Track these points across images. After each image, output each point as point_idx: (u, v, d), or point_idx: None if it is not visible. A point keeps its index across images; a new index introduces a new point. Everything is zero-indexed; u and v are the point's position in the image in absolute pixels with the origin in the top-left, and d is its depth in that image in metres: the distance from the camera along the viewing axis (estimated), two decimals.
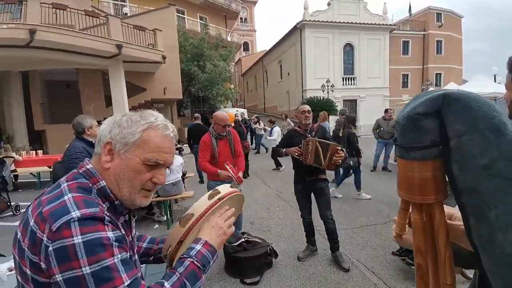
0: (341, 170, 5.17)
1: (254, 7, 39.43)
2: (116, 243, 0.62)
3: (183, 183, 4.56)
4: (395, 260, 2.86)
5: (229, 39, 22.37)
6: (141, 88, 13.51)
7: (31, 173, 7.21)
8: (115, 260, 0.60)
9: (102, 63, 10.66)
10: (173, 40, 14.18)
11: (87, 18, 9.85)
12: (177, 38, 14.79)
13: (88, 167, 0.73)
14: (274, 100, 28.58)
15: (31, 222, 0.61)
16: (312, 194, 2.96)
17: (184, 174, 4.73)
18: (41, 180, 7.11)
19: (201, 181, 6.59)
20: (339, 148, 2.54)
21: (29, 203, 0.69)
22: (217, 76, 17.30)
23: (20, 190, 6.81)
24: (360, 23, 22.00)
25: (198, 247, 0.77)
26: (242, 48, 34.20)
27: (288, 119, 10.05)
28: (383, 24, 22.84)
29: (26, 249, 0.61)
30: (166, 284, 0.68)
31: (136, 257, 0.79)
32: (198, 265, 0.74)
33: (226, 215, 0.86)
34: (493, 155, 0.41)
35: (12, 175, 5.91)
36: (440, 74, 27.02)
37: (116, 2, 17.45)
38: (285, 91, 25.43)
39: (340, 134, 5.42)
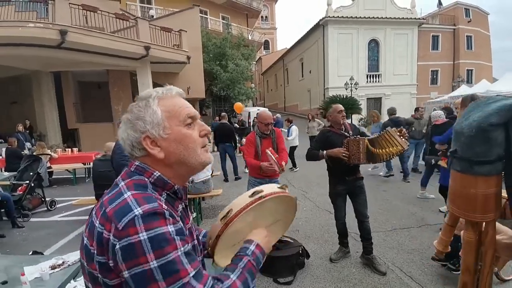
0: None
1: (275, 4, 39.19)
2: (178, 237, 0.64)
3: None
4: (433, 265, 2.75)
5: (250, 38, 22.46)
6: None
7: (66, 170, 7.66)
8: (179, 253, 0.62)
9: (131, 64, 11.08)
10: (197, 41, 14.47)
11: (116, 20, 10.24)
12: (200, 38, 15.07)
13: (137, 163, 0.73)
14: (294, 98, 28.33)
15: (97, 224, 0.64)
16: (347, 194, 2.91)
17: (212, 172, 4.83)
18: (76, 176, 7.54)
19: (226, 180, 6.69)
20: (398, 129, 2.40)
21: (64, 198, 0.72)
22: (239, 75, 17.47)
23: (55, 186, 7.18)
24: (386, 18, 21.22)
25: (252, 247, 0.80)
26: (262, 46, 34.23)
27: (316, 119, 9.61)
28: (411, 18, 21.90)
29: (94, 251, 0.64)
30: (232, 275, 0.71)
31: (196, 242, 0.80)
32: (254, 264, 0.77)
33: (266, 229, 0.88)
34: None
35: (47, 172, 6.28)
36: (471, 70, 25.49)
37: (143, 5, 18.07)
38: (307, 90, 25.11)
39: (424, 131, 5.33)
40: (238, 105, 12.89)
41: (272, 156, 2.79)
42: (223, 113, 7.35)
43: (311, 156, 2.88)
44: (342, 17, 20.70)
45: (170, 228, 0.63)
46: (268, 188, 0.88)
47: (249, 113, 15.08)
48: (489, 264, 0.47)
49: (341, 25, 20.99)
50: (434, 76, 25.72)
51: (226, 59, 17.46)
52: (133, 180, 0.70)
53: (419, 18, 22.39)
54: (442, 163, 3.68)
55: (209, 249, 0.86)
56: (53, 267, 1.72)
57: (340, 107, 2.87)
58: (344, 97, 18.03)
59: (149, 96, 0.75)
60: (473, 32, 25.24)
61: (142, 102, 0.74)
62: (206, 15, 20.04)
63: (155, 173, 0.72)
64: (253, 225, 0.87)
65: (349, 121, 7.57)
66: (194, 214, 4.38)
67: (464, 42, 25.18)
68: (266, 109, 3.13)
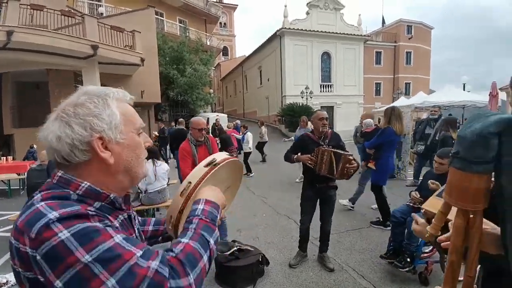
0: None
1: (233, 12, 39.59)
2: (110, 228, 0.56)
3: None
4: (381, 263, 2.96)
5: (208, 43, 22.27)
6: None
7: (2, 181, 6.63)
8: (116, 240, 0.54)
9: (76, 64, 10.14)
10: (152, 43, 13.84)
11: (63, 18, 9.42)
12: (156, 40, 14.46)
13: (59, 174, 0.63)
14: (253, 105, 28.75)
15: (13, 240, 0.55)
16: (318, 200, 2.98)
17: (168, 181, 4.60)
18: (11, 188, 6.57)
19: None
20: (352, 158, 2.54)
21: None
22: (197, 80, 17.14)
23: None
24: (336, 33, 22.93)
25: (200, 206, 0.74)
26: (221, 53, 34.18)
27: (263, 127, 9.67)
28: (357, 35, 23.95)
29: (19, 269, 0.55)
30: (183, 240, 0.64)
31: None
32: (208, 220, 0.71)
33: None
34: None
35: None
36: (409, 83, 28.76)
37: (92, 1, 16.77)
38: (265, 97, 25.70)
39: (437, 138, 5.57)
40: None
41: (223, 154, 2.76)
42: (180, 119, 7.12)
43: (286, 157, 3.00)
44: (297, 29, 21.79)
45: (98, 224, 0.55)
46: (220, 156, 0.90)
47: (208, 119, 14.90)
48: (476, 246, 0.57)
49: (296, 37, 22.06)
50: (378, 88, 28.47)
51: (183, 64, 17.01)
52: (52, 192, 0.59)
53: (364, 35, 24.61)
54: (371, 165, 4.02)
55: (171, 227, 0.81)
56: None
57: (322, 114, 2.88)
58: (301, 105, 18.89)
59: (105, 94, 0.67)
60: (413, 48, 28.54)
61: (98, 99, 0.65)
62: (162, 17, 19.37)
63: (83, 184, 0.61)
64: None
65: (306, 130, 7.88)
66: None
67: (404, 57, 28.39)
68: (200, 118, 3.07)
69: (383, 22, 30.74)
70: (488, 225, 0.62)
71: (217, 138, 7.78)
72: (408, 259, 2.57)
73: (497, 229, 0.58)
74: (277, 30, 22.03)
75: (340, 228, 3.98)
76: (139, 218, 0.91)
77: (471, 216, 0.57)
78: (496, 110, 7.07)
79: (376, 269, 2.90)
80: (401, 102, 12.01)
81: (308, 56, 22.78)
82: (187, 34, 18.91)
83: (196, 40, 18.64)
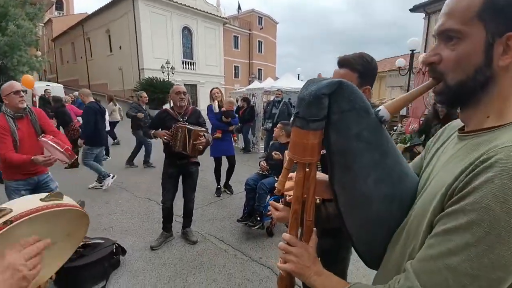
0: None
1: None
2: None
3: None
4: (238, 226, 3.32)
5: None
6: None
7: None
8: None
9: None
10: None
11: None
12: None
13: None
14: (102, 76, 24.22)
15: None
16: (180, 177, 2.89)
17: None
18: None
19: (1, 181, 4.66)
20: (202, 133, 2.54)
21: None
22: (20, 39, 12.44)
23: None
24: (197, 9, 22.51)
25: None
26: (54, 6, 26.15)
27: (111, 102, 7.95)
28: (217, 16, 24.51)
29: None
30: None
31: None
32: None
33: (30, 251, 0.58)
34: (362, 127, 0.59)
35: None
36: (261, 69, 32.77)
37: None
38: (118, 68, 22.16)
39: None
40: (27, 78, 9.11)
41: (54, 144, 2.17)
42: None
43: (144, 133, 2.93)
44: None
45: None
46: (21, 205, 0.59)
47: (33, 89, 11.30)
48: (312, 193, 0.67)
49: (153, 3, 20.00)
50: (237, 71, 30.80)
51: (7, 20, 11.94)
52: None
53: (223, 17, 25.53)
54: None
55: None
56: None
57: (179, 88, 2.77)
58: (162, 80, 17.60)
59: None
60: (263, 38, 32.27)
61: None
62: None
63: None
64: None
65: (167, 106, 7.36)
66: None
67: (256, 46, 31.75)
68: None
69: (239, 8, 32.92)
70: (320, 175, 0.74)
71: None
72: (258, 218, 3.00)
73: (327, 177, 0.69)
74: None
75: (204, 202, 4.12)
76: None
77: (307, 170, 0.66)
78: None
79: (234, 232, 3.22)
80: (255, 85, 13.57)
81: (168, 28, 21.27)
82: None
83: None
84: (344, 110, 0.57)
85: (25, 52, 13.26)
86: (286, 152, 0.69)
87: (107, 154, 6.73)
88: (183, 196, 2.99)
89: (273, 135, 3.37)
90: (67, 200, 0.66)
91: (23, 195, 2.23)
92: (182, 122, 2.69)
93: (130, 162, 6.02)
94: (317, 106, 0.56)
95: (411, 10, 14.81)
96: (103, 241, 2.55)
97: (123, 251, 2.65)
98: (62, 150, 2.20)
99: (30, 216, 0.56)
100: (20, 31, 12.32)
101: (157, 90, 16.36)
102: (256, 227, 2.97)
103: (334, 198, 0.65)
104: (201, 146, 2.58)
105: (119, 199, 4.24)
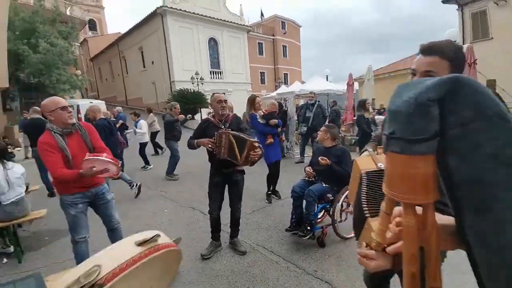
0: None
1: None
2: None
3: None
4: (286, 235, 3.22)
5: (69, 13, 17.95)
6: None
7: None
8: None
9: None
10: (1, 16, 9.83)
11: None
12: (7, 13, 10.36)
13: None
14: (138, 91, 25.67)
15: None
16: (225, 186, 2.88)
17: (27, 188, 3.45)
18: None
19: (51, 194, 5.05)
20: (257, 144, 2.49)
21: None
22: (56, 57, 13.58)
23: None
24: (221, 20, 23.11)
25: None
26: (87, 26, 28.44)
27: (152, 113, 8.48)
28: (241, 25, 24.95)
29: None
30: None
31: None
32: None
33: None
34: (501, 143, 0.39)
35: None
36: (287, 74, 32.64)
37: None
38: (151, 82, 23.37)
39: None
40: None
41: (100, 158, 2.12)
42: (35, 107, 5.42)
43: (189, 144, 2.80)
44: (180, 10, 20.60)
45: None
46: (113, 257, 0.53)
47: (78, 106, 12.28)
48: (436, 249, 0.46)
49: (181, 18, 20.89)
50: (262, 77, 30.98)
51: (36, 37, 13.10)
52: None
53: (246, 25, 25.92)
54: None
55: None
56: None
57: (220, 96, 2.77)
58: (192, 91, 18.21)
59: None
60: (288, 42, 32.25)
61: None
62: None
63: None
64: None
65: (198, 115, 7.50)
66: (12, 248, 3.01)
67: (281, 50, 31.77)
68: (55, 97, 2.39)
69: (262, 15, 33.23)
70: (441, 218, 0.50)
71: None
72: (308, 227, 2.88)
73: (452, 220, 0.48)
74: (158, 8, 20.15)
75: (246, 210, 4.08)
76: None
77: (421, 213, 0.46)
78: (352, 97, 8.96)
79: (283, 242, 3.13)
80: (283, 89, 13.50)
81: (195, 40, 22.05)
82: (42, 2, 14.52)
83: (52, 9, 14.60)
84: (467, 120, 0.40)
85: (64, 71, 14.38)
86: (383, 187, 0.48)
87: (148, 163, 7.02)
88: (229, 205, 2.97)
89: (317, 138, 3.25)
90: (163, 239, 0.61)
91: (81, 209, 2.28)
92: (224, 129, 2.68)
93: (170, 173, 6.13)
94: (423, 119, 0.40)
95: (443, 2, 14.19)
96: None
97: None
98: (110, 161, 2.17)
99: (125, 272, 0.52)
100: (55, 50, 13.40)
101: (189, 101, 16.94)
102: (306, 237, 2.85)
103: (468, 253, 0.45)
104: (256, 158, 2.52)
105: (164, 208, 4.36)
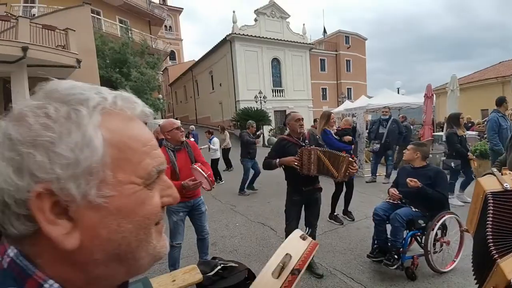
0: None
1: (179, 15, 38.42)
2: None
3: None
4: (367, 262, 2.96)
5: (154, 46, 21.06)
6: None
7: None
8: None
9: (5, 69, 8.60)
10: (89, 43, 12.39)
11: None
12: (94, 40, 13.02)
13: (12, 253, 0.33)
14: (206, 111, 28.06)
15: None
16: (303, 205, 2.86)
17: None
18: None
19: None
20: (354, 160, 2.51)
21: None
22: (145, 85, 16.00)
23: None
24: (284, 40, 23.89)
25: None
26: (168, 57, 32.69)
27: (226, 131, 9.06)
28: (303, 43, 25.30)
29: None
30: None
31: None
32: None
33: None
34: None
35: None
36: (350, 88, 31.39)
37: (26, 4, 14.65)
38: (218, 102, 25.30)
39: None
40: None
41: (202, 171, 2.42)
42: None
43: (267, 164, 2.81)
44: (247, 35, 22.07)
45: None
46: (294, 247, 0.64)
47: (160, 125, 13.94)
48: None
49: (247, 42, 22.33)
50: (324, 93, 30.45)
51: (128, 67, 15.71)
52: None
53: (309, 44, 26.14)
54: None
55: None
56: None
57: (298, 115, 2.80)
58: (255, 109, 19.01)
59: (80, 99, 0.34)
60: (351, 56, 31.32)
61: (60, 108, 0.32)
62: (99, 16, 17.66)
63: (47, 284, 0.32)
64: None
65: (260, 131, 7.77)
66: None
67: (344, 65, 30.92)
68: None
69: (324, 31, 33.13)
70: None
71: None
72: (396, 256, 2.59)
73: None
74: (227, 35, 22.01)
75: (318, 231, 3.92)
76: None
77: None
78: (431, 110, 8.03)
79: (364, 269, 2.88)
80: (347, 105, 12.95)
81: (259, 61, 23.21)
82: (130, 35, 17.56)
83: (140, 42, 17.41)
84: None
85: (150, 95, 16.77)
86: None
87: (220, 179, 7.47)
88: (306, 224, 2.90)
89: (404, 157, 2.97)
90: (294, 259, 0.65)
91: (181, 217, 2.59)
92: (308, 146, 2.66)
93: (241, 190, 6.17)
94: None
95: None
96: (237, 265, 2.67)
97: (253, 277, 2.71)
98: (206, 176, 2.45)
99: (310, 258, 0.57)
100: (144, 78, 15.72)
101: (252, 118, 17.70)
102: (394, 267, 2.56)
103: None
104: (354, 172, 2.52)
105: (236, 222, 4.51)
